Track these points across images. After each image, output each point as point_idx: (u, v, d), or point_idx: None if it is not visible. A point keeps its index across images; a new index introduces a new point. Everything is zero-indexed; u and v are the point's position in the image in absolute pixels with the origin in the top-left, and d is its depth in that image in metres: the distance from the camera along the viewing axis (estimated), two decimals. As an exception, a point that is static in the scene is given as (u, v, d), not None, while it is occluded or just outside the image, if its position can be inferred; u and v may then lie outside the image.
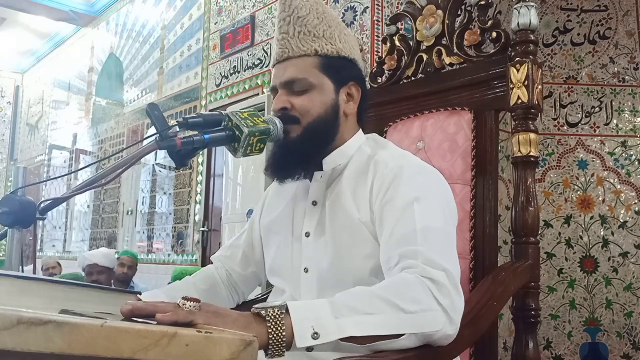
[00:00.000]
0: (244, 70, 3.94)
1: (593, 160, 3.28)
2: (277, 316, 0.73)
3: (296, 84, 1.05)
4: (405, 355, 0.85)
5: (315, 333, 0.73)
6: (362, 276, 0.99)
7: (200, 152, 3.81)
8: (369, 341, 0.77)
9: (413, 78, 1.50)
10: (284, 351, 0.73)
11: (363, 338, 0.77)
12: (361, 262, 0.99)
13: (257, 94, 3.75)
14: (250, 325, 0.72)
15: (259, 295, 1.35)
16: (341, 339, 0.75)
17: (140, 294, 1.11)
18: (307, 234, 1.07)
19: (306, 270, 1.05)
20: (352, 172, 1.07)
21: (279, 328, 0.72)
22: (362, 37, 2.91)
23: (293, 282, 1.07)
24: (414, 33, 1.49)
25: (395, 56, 1.53)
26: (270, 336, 0.72)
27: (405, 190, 0.96)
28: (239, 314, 0.74)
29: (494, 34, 1.32)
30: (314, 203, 1.08)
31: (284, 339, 0.72)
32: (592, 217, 3.24)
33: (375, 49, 2.84)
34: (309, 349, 0.75)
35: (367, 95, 1.14)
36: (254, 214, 1.28)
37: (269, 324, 0.72)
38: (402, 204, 0.95)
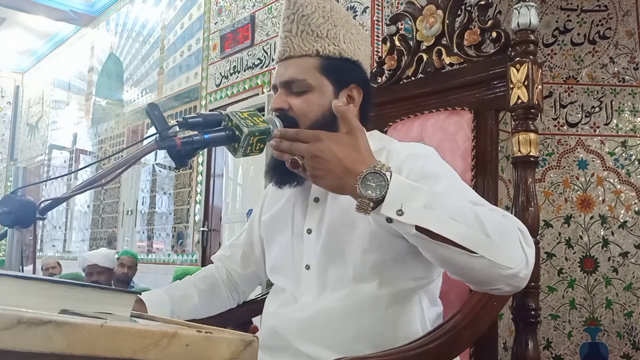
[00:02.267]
0: (244, 70, 3.94)
1: (593, 160, 3.28)
2: (368, 196, 0.81)
3: (295, 85, 1.04)
4: (405, 355, 0.86)
5: (400, 210, 0.80)
6: (363, 272, 0.99)
7: (200, 152, 3.81)
8: (442, 241, 0.81)
9: (413, 78, 1.50)
10: (369, 211, 0.82)
11: (438, 236, 0.80)
12: (361, 258, 0.99)
13: (257, 94, 3.75)
14: (348, 184, 0.84)
15: (259, 295, 1.35)
16: (418, 228, 0.80)
17: (140, 293, 1.11)
18: (309, 231, 1.07)
19: (307, 267, 1.05)
20: None
21: (369, 206, 0.82)
22: (362, 37, 2.91)
23: (294, 280, 1.07)
24: (414, 33, 1.49)
25: (395, 56, 1.53)
26: (359, 207, 0.83)
27: (436, 169, 0.98)
28: (355, 160, 0.85)
29: (494, 34, 1.32)
30: (316, 200, 1.08)
31: (372, 204, 0.82)
32: (592, 217, 3.24)
33: (375, 49, 2.84)
34: (389, 220, 0.81)
35: (370, 97, 1.13)
36: (254, 213, 1.28)
37: (363, 201, 0.82)
38: (441, 179, 0.95)
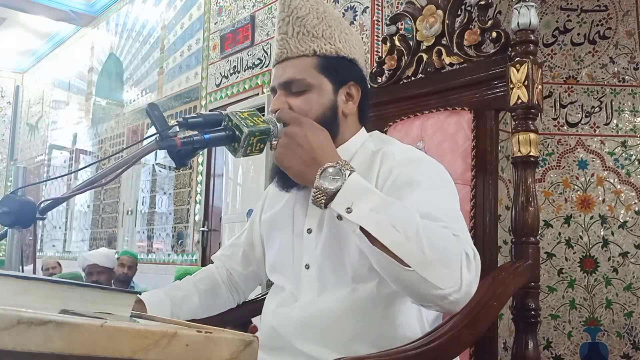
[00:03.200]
0: (244, 70, 3.94)
1: (593, 160, 3.28)
2: (326, 187, 0.87)
3: (294, 85, 1.05)
4: (405, 355, 0.86)
5: (349, 208, 0.85)
6: (362, 273, 0.99)
7: (200, 152, 3.81)
8: (379, 247, 0.83)
9: (413, 78, 1.50)
10: (322, 203, 0.87)
11: (376, 241, 0.83)
12: (360, 258, 0.99)
13: (257, 94, 3.75)
14: (310, 172, 0.89)
15: (259, 295, 1.35)
16: (362, 229, 0.84)
17: (140, 293, 1.11)
18: (309, 231, 1.07)
19: (307, 266, 1.05)
20: (356, 166, 1.07)
21: (322, 196, 0.87)
22: (362, 37, 2.91)
23: (294, 279, 1.08)
24: (414, 33, 1.49)
25: (395, 56, 1.53)
26: (314, 197, 0.88)
27: (421, 177, 0.97)
28: (323, 153, 0.91)
29: (494, 34, 1.32)
30: None
31: (325, 198, 0.87)
32: (592, 217, 3.24)
33: (375, 49, 2.84)
34: (339, 217, 0.86)
35: (368, 95, 1.14)
36: (255, 213, 1.28)
37: (319, 190, 0.87)
38: (421, 188, 0.95)
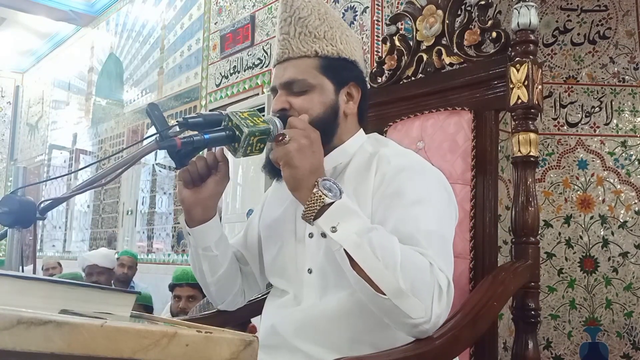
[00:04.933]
0: (244, 70, 3.94)
1: (593, 160, 3.28)
2: (325, 196, 0.88)
3: (296, 85, 1.05)
4: (405, 355, 0.86)
5: (334, 227, 0.87)
6: None
7: (200, 152, 3.81)
8: (357, 271, 0.86)
9: (413, 78, 1.50)
10: (311, 221, 0.89)
11: (356, 264, 0.86)
12: None
13: (257, 94, 3.74)
14: (308, 181, 0.90)
15: (259, 295, 1.35)
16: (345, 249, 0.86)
17: (140, 293, 1.11)
18: (311, 235, 1.07)
19: (310, 271, 1.05)
20: (354, 170, 1.07)
21: (318, 206, 0.88)
22: (362, 37, 2.91)
23: (297, 283, 1.07)
24: (414, 33, 1.49)
25: (395, 56, 1.53)
26: (309, 205, 0.89)
27: (408, 189, 0.97)
28: (313, 167, 0.92)
29: (494, 34, 1.32)
30: None
31: (319, 207, 0.88)
32: (592, 217, 3.24)
33: (375, 49, 2.84)
34: (323, 234, 0.88)
35: (367, 96, 1.14)
36: (254, 215, 1.28)
37: (315, 197, 0.88)
38: (404, 204, 0.95)
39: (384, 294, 0.84)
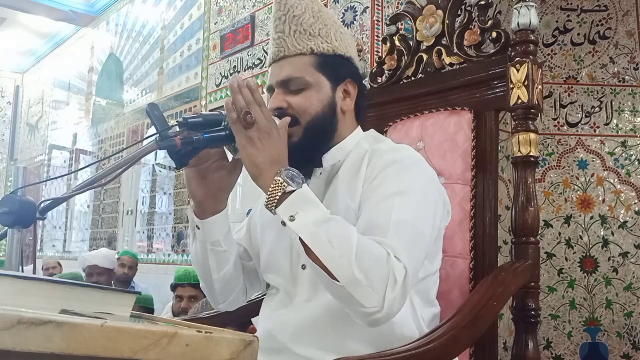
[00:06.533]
0: (244, 70, 3.94)
1: (593, 160, 3.28)
2: (287, 184, 0.89)
3: (292, 83, 1.05)
4: (405, 355, 0.86)
5: (292, 217, 0.88)
6: None
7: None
8: (313, 259, 0.88)
9: (413, 78, 1.50)
10: (273, 209, 0.90)
11: (311, 252, 0.87)
12: None
13: (257, 94, 3.74)
14: (271, 170, 0.91)
15: (259, 295, 1.35)
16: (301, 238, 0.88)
17: (140, 293, 1.11)
18: None
19: (304, 267, 1.05)
20: (348, 166, 1.07)
21: (279, 193, 0.89)
22: (362, 37, 2.91)
23: (291, 279, 1.08)
24: (414, 33, 1.49)
25: (395, 56, 1.53)
26: (271, 192, 0.90)
27: (391, 182, 0.98)
28: (277, 158, 0.93)
29: (494, 34, 1.32)
30: None
31: (276, 202, 0.89)
32: (592, 217, 3.24)
33: (375, 49, 2.84)
34: (283, 223, 0.90)
35: (364, 92, 1.15)
36: (254, 210, 1.28)
37: (277, 184, 0.89)
38: (384, 195, 0.96)
39: (339, 281, 0.85)
